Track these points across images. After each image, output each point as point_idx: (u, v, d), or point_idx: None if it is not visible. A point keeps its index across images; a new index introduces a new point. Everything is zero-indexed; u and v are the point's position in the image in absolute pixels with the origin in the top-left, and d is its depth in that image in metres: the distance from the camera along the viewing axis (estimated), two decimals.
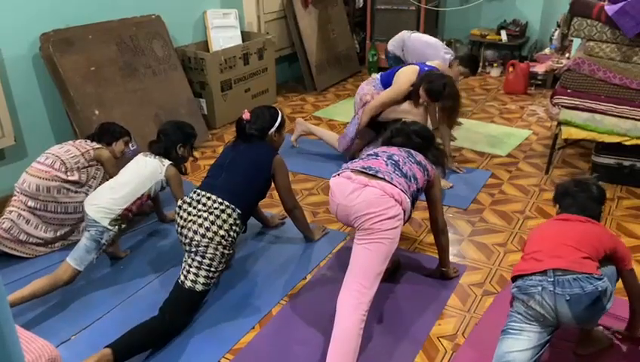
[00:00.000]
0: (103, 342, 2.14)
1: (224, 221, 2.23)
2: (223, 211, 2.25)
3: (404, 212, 2.06)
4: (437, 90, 3.18)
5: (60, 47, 3.32)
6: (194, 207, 2.29)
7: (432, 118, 3.59)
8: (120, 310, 2.37)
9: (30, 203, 2.66)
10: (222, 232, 2.22)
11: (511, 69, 5.19)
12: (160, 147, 2.65)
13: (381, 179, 2.04)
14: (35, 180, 2.63)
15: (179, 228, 2.29)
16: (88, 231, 2.43)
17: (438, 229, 2.41)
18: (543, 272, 1.70)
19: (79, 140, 2.85)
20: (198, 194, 2.33)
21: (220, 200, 2.28)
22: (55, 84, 3.38)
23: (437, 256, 2.51)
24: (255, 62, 4.65)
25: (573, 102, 3.26)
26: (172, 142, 2.67)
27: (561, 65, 4.36)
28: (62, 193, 2.68)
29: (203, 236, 2.20)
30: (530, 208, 3.16)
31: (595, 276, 1.67)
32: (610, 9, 3.00)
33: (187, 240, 2.24)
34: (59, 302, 2.40)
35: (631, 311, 2.03)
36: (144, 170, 2.58)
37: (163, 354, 2.11)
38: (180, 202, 2.36)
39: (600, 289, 1.65)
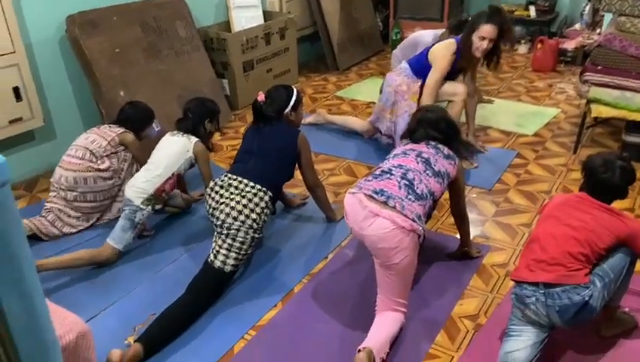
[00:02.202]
0: (132, 317, 2.23)
1: (256, 204, 2.27)
2: (255, 195, 2.28)
3: (419, 236, 2.00)
4: (500, 15, 3.15)
5: (86, 29, 3.36)
6: (226, 190, 2.32)
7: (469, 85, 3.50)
8: (147, 286, 2.43)
9: (70, 196, 2.76)
10: (254, 216, 2.25)
11: (539, 45, 5.05)
12: (188, 124, 2.70)
13: (392, 208, 1.97)
14: (71, 174, 2.71)
15: (210, 210, 2.34)
16: (124, 210, 2.54)
17: (460, 216, 2.40)
18: (536, 284, 1.80)
19: (103, 126, 2.90)
20: (230, 178, 2.36)
21: (252, 183, 2.31)
22: (81, 65, 3.43)
23: (459, 236, 2.50)
24: (277, 42, 4.63)
25: (603, 79, 3.16)
26: (200, 118, 2.71)
27: (592, 42, 4.22)
28: (98, 182, 2.76)
29: (235, 219, 2.24)
30: (556, 188, 3.11)
31: (583, 285, 1.75)
32: None
33: (219, 222, 2.27)
34: (88, 278, 2.47)
35: None
36: (173, 149, 2.63)
37: (187, 331, 2.16)
38: (211, 183, 2.40)
39: (587, 298, 1.74)
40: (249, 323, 2.20)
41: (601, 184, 1.89)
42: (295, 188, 3.11)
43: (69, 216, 2.80)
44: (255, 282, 2.43)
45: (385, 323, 2.01)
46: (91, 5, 3.45)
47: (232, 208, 2.25)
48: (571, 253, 1.78)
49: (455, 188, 2.30)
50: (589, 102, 3.28)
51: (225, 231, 2.25)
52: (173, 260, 2.60)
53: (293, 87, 2.68)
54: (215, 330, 2.17)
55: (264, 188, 2.31)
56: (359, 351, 1.87)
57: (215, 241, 2.29)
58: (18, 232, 0.67)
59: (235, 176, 2.36)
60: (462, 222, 2.42)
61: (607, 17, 3.96)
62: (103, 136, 2.80)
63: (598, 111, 3.23)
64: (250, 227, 2.25)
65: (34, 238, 2.72)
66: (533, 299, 1.79)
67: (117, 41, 3.51)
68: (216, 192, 2.34)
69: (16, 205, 0.68)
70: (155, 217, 2.87)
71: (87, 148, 2.75)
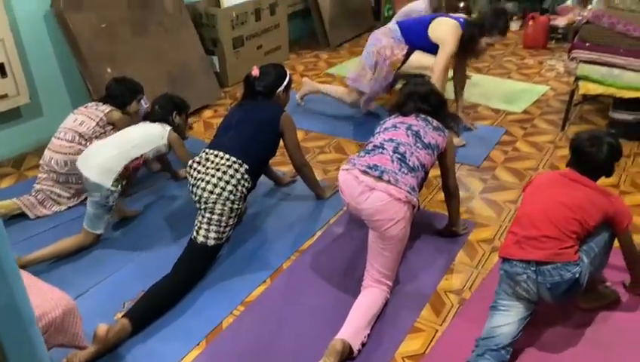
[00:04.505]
0: (120, 294, 2.24)
1: (231, 176, 2.27)
2: (229, 167, 2.28)
3: (414, 207, 2.06)
4: (505, 22, 3.20)
5: (71, 3, 3.30)
6: (203, 165, 2.33)
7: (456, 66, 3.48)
8: (137, 263, 2.45)
9: (61, 178, 2.76)
10: (229, 188, 2.25)
11: (531, 22, 5.03)
12: (156, 116, 2.68)
13: (387, 182, 2.01)
14: (61, 157, 2.70)
15: (190, 187, 2.35)
16: (92, 197, 2.43)
17: (450, 193, 2.42)
18: (527, 261, 1.81)
19: (91, 105, 2.88)
20: (207, 153, 2.36)
21: (227, 156, 2.31)
22: (67, 41, 3.38)
23: (447, 214, 2.53)
24: (267, 18, 4.57)
25: (591, 56, 3.16)
26: (167, 110, 2.71)
27: (582, 18, 4.21)
28: None
29: (211, 192, 2.24)
30: (543, 165, 3.13)
31: (573, 263, 1.78)
32: None
33: (197, 198, 2.29)
34: (76, 257, 2.47)
35: (629, 271, 2.06)
36: (149, 131, 2.61)
37: (176, 306, 2.18)
38: (190, 161, 2.40)
39: (577, 274, 1.77)
40: (238, 299, 2.23)
41: (587, 159, 1.90)
42: (284, 166, 3.11)
43: (60, 195, 2.80)
44: (244, 259, 2.45)
45: (366, 305, 2.03)
46: None
47: (208, 182, 2.26)
48: (564, 230, 1.79)
49: (445, 161, 2.33)
50: (578, 79, 3.29)
51: (203, 206, 2.27)
52: (162, 237, 2.62)
53: (285, 68, 2.69)
54: (204, 306, 2.19)
55: (239, 161, 2.30)
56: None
57: (197, 218, 2.30)
58: None
59: (211, 151, 2.36)
60: (452, 198, 2.44)
61: None
62: (90, 117, 2.79)
63: (586, 88, 3.24)
64: (227, 199, 2.25)
65: (22, 216, 2.72)
66: (525, 276, 1.80)
67: (103, 17, 3.45)
68: (194, 169, 2.35)
69: None
70: (144, 196, 2.88)
71: (76, 131, 2.74)
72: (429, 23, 3.30)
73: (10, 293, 0.71)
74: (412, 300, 2.18)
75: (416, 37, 3.33)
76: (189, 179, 2.36)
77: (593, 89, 3.23)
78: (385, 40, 3.39)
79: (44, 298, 1.53)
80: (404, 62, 3.36)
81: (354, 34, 5.57)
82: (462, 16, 3.35)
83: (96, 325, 1.93)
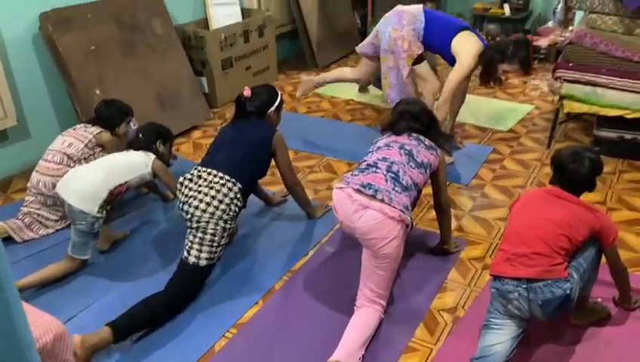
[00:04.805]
0: (110, 317, 2.19)
1: (225, 195, 2.26)
2: (223, 185, 2.27)
3: (407, 226, 2.07)
4: (526, 55, 3.16)
5: (60, 26, 3.30)
6: (195, 183, 2.31)
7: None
8: (125, 287, 2.40)
9: (48, 201, 2.72)
10: (223, 206, 2.24)
11: None
12: (140, 143, 2.68)
13: (380, 200, 2.02)
14: (49, 179, 2.66)
15: (180, 205, 2.33)
16: (76, 226, 2.38)
17: (442, 211, 2.43)
18: (518, 279, 1.82)
19: (79, 127, 2.86)
20: (199, 171, 2.35)
21: (220, 174, 2.30)
22: (55, 63, 3.38)
23: (438, 232, 2.54)
24: (255, 39, 4.61)
25: (574, 75, 3.24)
26: (150, 139, 2.70)
27: (564, 39, 4.31)
28: None
29: (204, 211, 2.22)
30: (531, 183, 3.17)
31: (563, 279, 1.79)
32: None
33: (188, 216, 2.26)
34: (62, 282, 2.43)
35: (616, 286, 2.09)
36: (134, 159, 2.59)
37: (168, 329, 2.16)
38: (180, 178, 2.38)
39: (568, 291, 1.78)
40: (230, 321, 2.20)
41: (570, 175, 1.93)
42: (275, 185, 3.11)
43: (48, 218, 2.75)
44: (236, 280, 2.43)
45: (360, 326, 2.03)
46: (65, 2, 3.39)
47: (201, 201, 2.24)
48: (554, 246, 1.80)
49: (437, 180, 2.34)
50: (562, 98, 3.36)
51: (195, 225, 2.24)
52: (150, 260, 2.58)
53: (277, 89, 2.70)
54: (196, 329, 2.16)
55: (233, 179, 2.29)
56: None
57: (187, 237, 2.28)
58: None
59: (204, 169, 2.34)
60: (443, 217, 2.45)
61: (579, 15, 4.06)
62: (79, 139, 2.77)
63: (571, 106, 3.31)
64: (220, 218, 2.23)
65: (8, 240, 2.68)
66: (516, 294, 1.80)
67: (92, 39, 3.46)
68: (186, 186, 2.33)
69: None
70: (131, 219, 2.85)
71: (65, 153, 2.71)
72: (456, 32, 3.21)
73: (9, 316, 0.70)
74: (406, 319, 2.18)
75: (439, 41, 3.24)
76: (179, 196, 2.34)
77: (577, 107, 3.29)
78: (406, 29, 3.24)
79: (33, 323, 1.49)
80: (414, 62, 3.33)
81: (341, 55, 5.63)
82: (484, 38, 3.31)
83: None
